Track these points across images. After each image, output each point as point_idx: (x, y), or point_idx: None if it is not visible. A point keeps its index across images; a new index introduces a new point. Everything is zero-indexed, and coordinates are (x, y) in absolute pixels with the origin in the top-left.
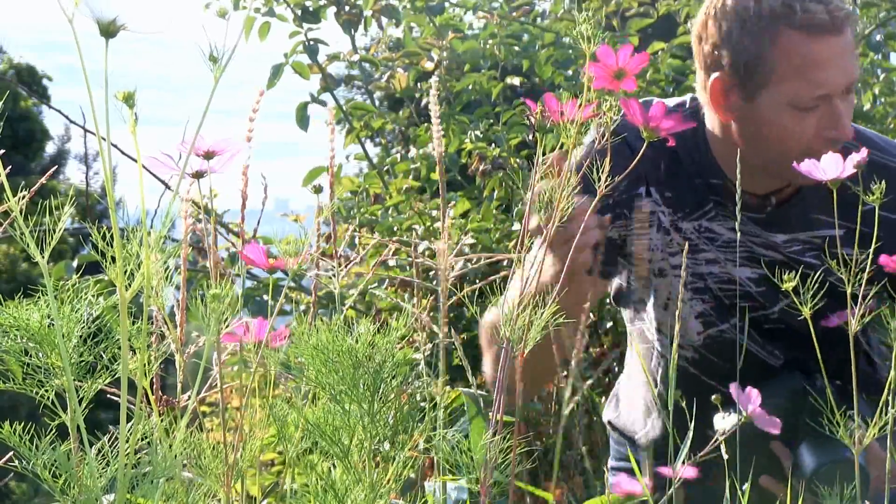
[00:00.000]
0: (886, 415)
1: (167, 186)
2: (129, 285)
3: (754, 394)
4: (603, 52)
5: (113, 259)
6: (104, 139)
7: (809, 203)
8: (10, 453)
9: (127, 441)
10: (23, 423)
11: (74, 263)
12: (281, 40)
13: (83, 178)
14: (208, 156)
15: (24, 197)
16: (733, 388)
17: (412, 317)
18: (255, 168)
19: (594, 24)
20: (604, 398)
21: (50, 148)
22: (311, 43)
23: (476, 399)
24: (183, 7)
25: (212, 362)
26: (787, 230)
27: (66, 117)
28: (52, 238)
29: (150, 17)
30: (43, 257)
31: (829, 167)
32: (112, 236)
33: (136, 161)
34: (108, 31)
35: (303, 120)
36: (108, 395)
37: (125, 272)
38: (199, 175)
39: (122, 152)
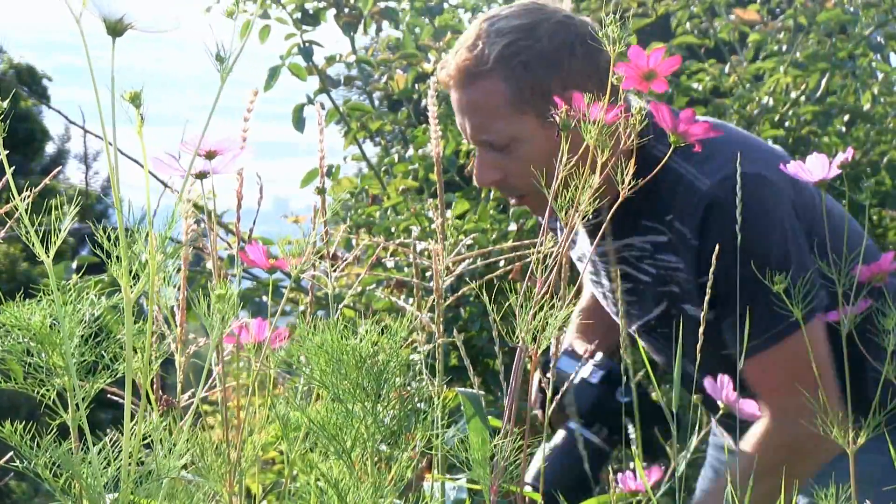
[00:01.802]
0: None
1: (166, 186)
2: (133, 286)
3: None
4: (634, 53)
5: (118, 259)
6: (100, 138)
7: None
8: (11, 453)
9: (130, 439)
10: (23, 423)
11: (74, 265)
12: (282, 40)
13: (83, 178)
14: (210, 156)
15: (29, 196)
16: (707, 383)
17: (412, 317)
18: (256, 168)
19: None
20: None
21: (50, 148)
22: (307, 45)
23: (474, 398)
24: (187, 7)
25: (212, 362)
26: (617, 236)
27: (66, 117)
28: (56, 238)
29: (157, 16)
30: (48, 256)
31: (815, 169)
32: (117, 236)
33: (136, 162)
34: (116, 29)
35: (299, 122)
36: (109, 395)
37: (130, 272)
38: (202, 175)
39: (122, 153)
